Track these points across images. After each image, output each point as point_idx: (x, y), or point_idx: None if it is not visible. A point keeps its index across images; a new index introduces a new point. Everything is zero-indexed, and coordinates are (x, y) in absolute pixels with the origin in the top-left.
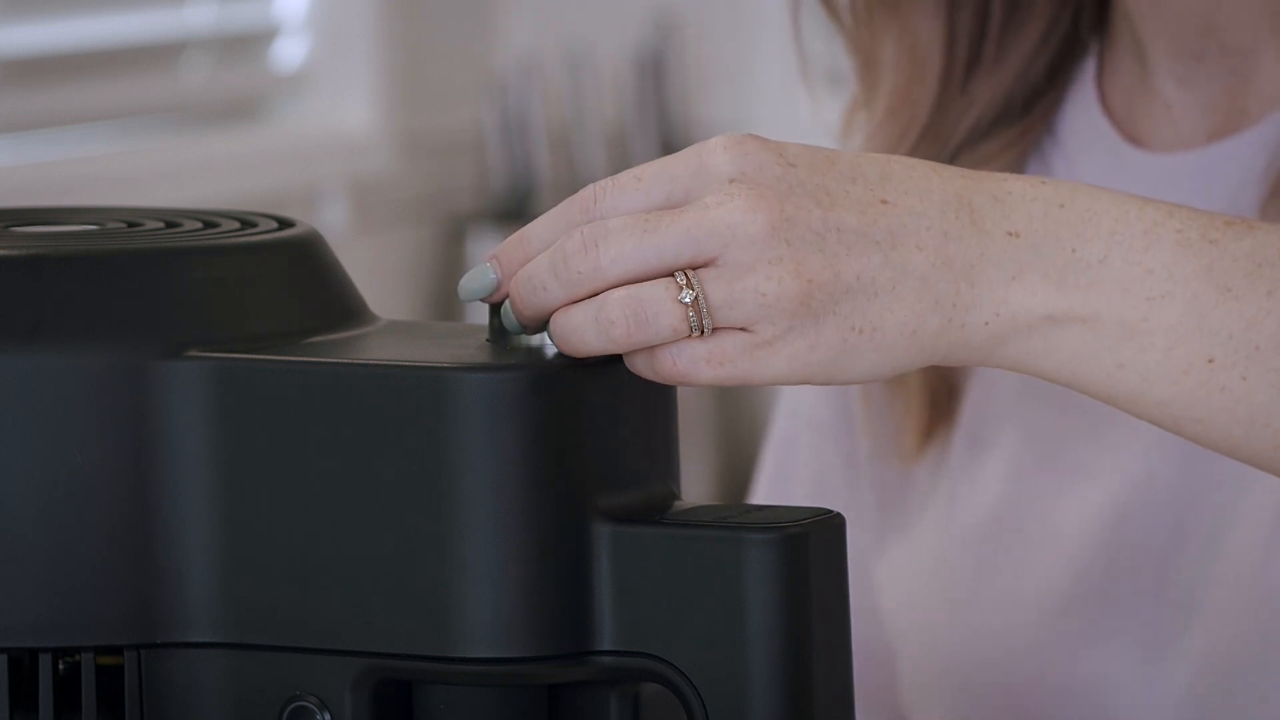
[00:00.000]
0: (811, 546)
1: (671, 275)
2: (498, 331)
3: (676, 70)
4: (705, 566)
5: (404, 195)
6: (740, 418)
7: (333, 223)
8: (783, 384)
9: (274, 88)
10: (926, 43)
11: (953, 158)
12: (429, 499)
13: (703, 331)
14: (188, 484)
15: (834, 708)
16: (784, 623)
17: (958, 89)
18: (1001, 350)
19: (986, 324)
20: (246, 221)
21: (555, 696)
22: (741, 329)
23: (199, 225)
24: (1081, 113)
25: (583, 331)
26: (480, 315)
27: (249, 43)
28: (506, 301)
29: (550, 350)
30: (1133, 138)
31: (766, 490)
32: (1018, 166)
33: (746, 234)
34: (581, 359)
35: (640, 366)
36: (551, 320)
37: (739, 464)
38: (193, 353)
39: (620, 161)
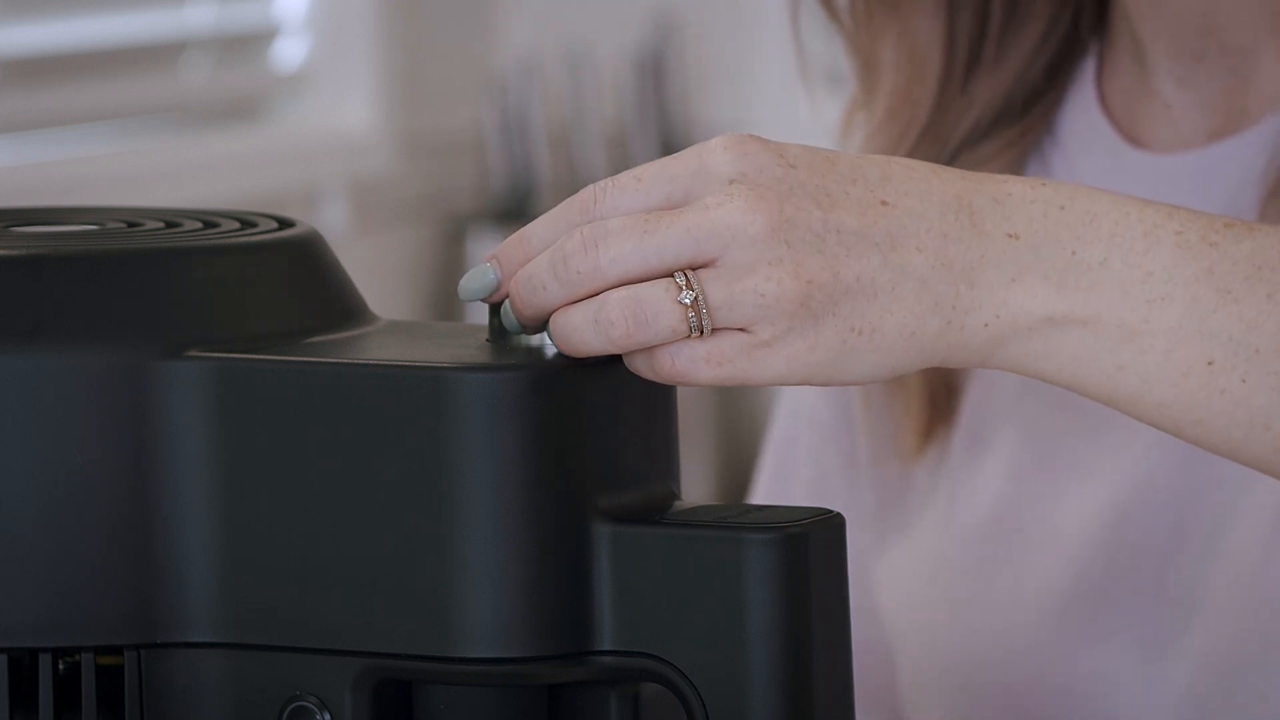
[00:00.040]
0: (811, 546)
1: (671, 276)
2: (498, 331)
3: (676, 70)
4: (705, 566)
5: (404, 195)
6: (740, 418)
7: (333, 223)
8: (782, 384)
9: (274, 88)
10: (926, 43)
11: (952, 158)
12: (429, 499)
13: (702, 332)
14: (188, 484)
15: (834, 708)
16: (784, 623)
17: (957, 89)
18: (1001, 352)
19: (986, 325)
20: (246, 221)
21: (555, 696)
22: (741, 329)
23: (199, 225)
24: (1081, 113)
25: (582, 331)
26: (480, 315)
27: (249, 43)
28: (506, 301)
29: (550, 350)
30: (1132, 138)
31: (766, 490)
32: (1017, 167)
33: (746, 235)
34: (581, 359)
35: (639, 366)
36: (551, 320)
37: (739, 464)
38: (193, 353)
39: (620, 161)
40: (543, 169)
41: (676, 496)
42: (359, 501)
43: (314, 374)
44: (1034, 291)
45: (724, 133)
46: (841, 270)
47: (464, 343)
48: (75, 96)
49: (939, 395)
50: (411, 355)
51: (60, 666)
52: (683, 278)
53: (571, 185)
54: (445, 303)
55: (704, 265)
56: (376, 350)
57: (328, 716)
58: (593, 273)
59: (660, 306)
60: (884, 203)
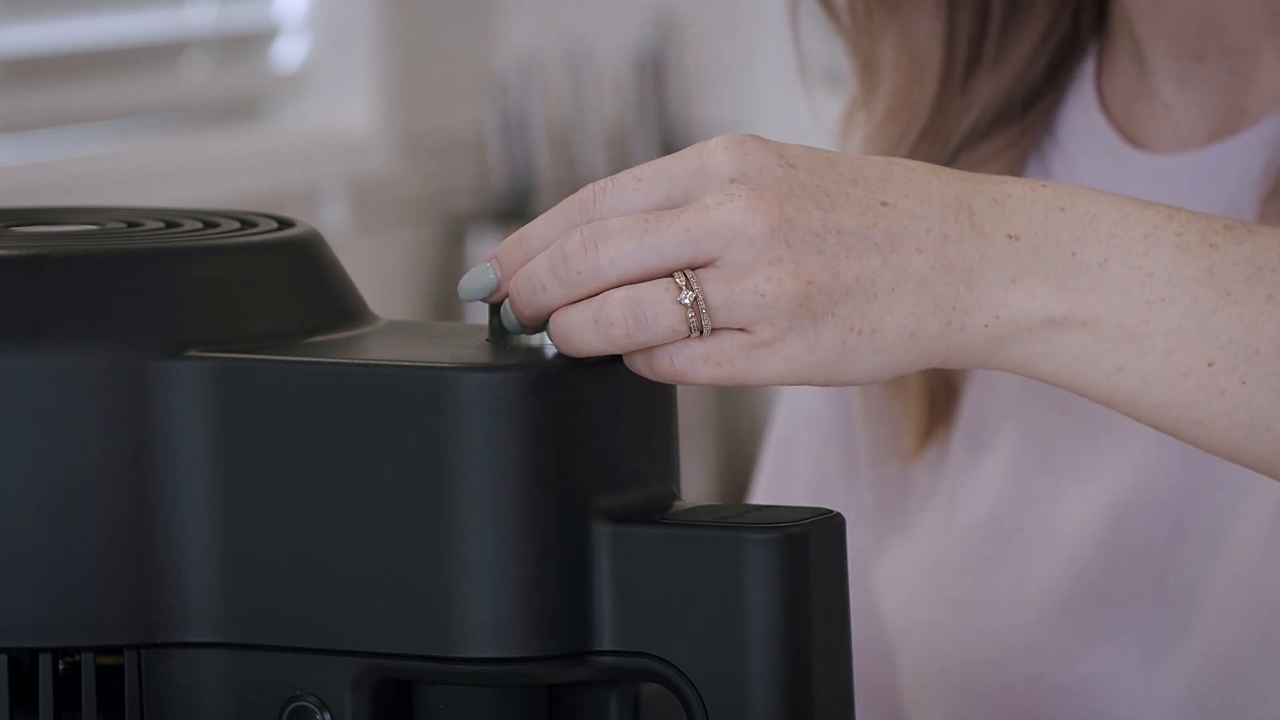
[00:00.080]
0: (811, 546)
1: (671, 276)
2: (498, 331)
3: (676, 70)
4: (705, 566)
5: (404, 195)
6: (740, 418)
7: (333, 223)
8: (781, 384)
9: (274, 88)
10: (926, 43)
11: (952, 158)
12: (429, 499)
13: (702, 332)
14: (188, 484)
15: (834, 708)
16: (784, 623)
17: (957, 89)
18: (1001, 353)
19: (986, 326)
20: (246, 221)
21: (555, 696)
22: (740, 329)
23: (199, 225)
24: (1081, 113)
25: (582, 331)
26: (480, 315)
27: (249, 43)
28: (506, 301)
29: (550, 350)
30: (1132, 138)
31: (766, 490)
32: (1017, 167)
33: (746, 235)
34: (581, 359)
35: (639, 366)
36: (551, 320)
37: (739, 464)
38: (193, 353)
39: (620, 161)
40: (543, 169)
41: (676, 496)
42: (359, 501)
43: (314, 374)
44: (1034, 292)
45: (724, 133)
46: (841, 271)
47: (464, 343)
48: (75, 96)
49: (939, 395)
50: (411, 355)
51: (60, 666)
52: (682, 278)
53: (571, 185)
54: (445, 303)
55: (704, 265)
56: (376, 350)
57: (328, 716)
58: (593, 273)
59: (660, 307)
60: (884, 203)
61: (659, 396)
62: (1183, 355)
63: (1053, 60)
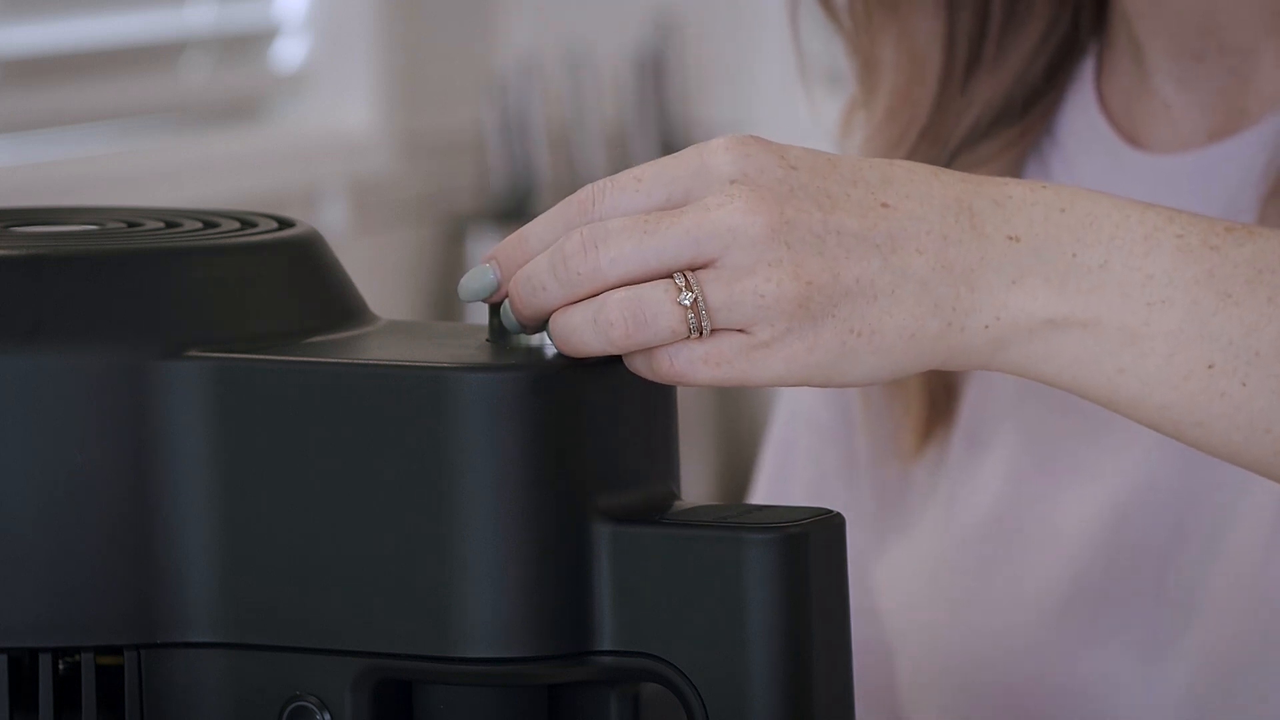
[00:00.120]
0: (811, 546)
1: (670, 276)
2: (498, 331)
3: (676, 70)
4: (705, 566)
5: (404, 195)
6: (740, 418)
7: (333, 223)
8: (780, 385)
9: (274, 88)
10: (926, 43)
11: (952, 158)
12: (429, 499)
13: (701, 333)
14: (188, 484)
15: (834, 708)
16: (784, 623)
17: (957, 89)
18: (1002, 355)
19: (986, 327)
20: (246, 221)
21: (555, 696)
22: (740, 330)
23: (199, 225)
24: (1080, 114)
25: (581, 332)
26: (480, 315)
27: (249, 43)
28: (506, 301)
29: (550, 350)
30: (1131, 139)
31: (765, 491)
32: (1016, 167)
33: (747, 236)
34: (581, 359)
35: (638, 366)
36: (550, 321)
37: (739, 464)
38: (193, 353)
39: (620, 161)
40: (543, 169)
41: (676, 496)
42: (359, 501)
43: (314, 374)
44: (1034, 294)
45: (724, 133)
46: (841, 272)
47: (464, 343)
48: (75, 96)
49: (938, 395)
50: (411, 355)
51: (60, 666)
52: (682, 279)
53: (571, 185)
54: (445, 303)
55: (703, 266)
56: (376, 350)
57: (328, 716)
58: (592, 273)
59: (660, 307)
60: (884, 205)
61: (659, 396)
62: (1183, 357)
63: (1052, 60)
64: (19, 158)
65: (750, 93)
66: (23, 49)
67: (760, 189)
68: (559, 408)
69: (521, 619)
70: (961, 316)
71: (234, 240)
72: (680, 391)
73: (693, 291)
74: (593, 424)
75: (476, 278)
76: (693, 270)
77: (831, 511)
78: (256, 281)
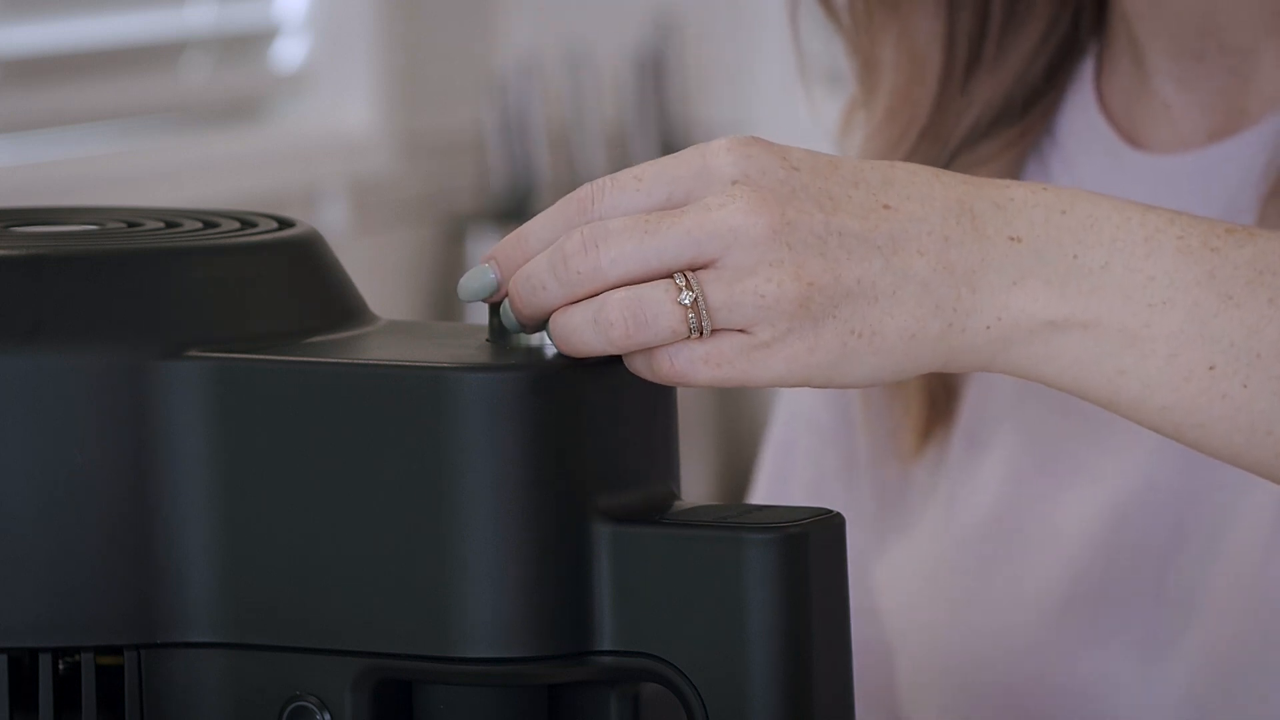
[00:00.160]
0: (811, 546)
1: (671, 276)
2: (498, 331)
3: (676, 70)
4: (705, 566)
5: (404, 195)
6: (740, 418)
7: (333, 223)
8: (781, 386)
9: (274, 88)
10: (926, 43)
11: (952, 158)
12: (429, 499)
13: (701, 333)
14: (188, 484)
15: (834, 708)
16: (784, 623)
17: (957, 89)
18: (1003, 356)
19: (988, 328)
20: (246, 221)
21: (555, 696)
22: (740, 331)
23: (199, 225)
24: (1080, 114)
25: (582, 332)
26: (480, 315)
27: (249, 43)
28: (506, 301)
29: (550, 350)
30: (1131, 139)
31: (765, 492)
32: (1016, 167)
33: (748, 236)
34: (581, 359)
35: (638, 367)
36: (551, 320)
37: (739, 464)
38: (193, 353)
39: (620, 161)
40: (543, 169)
41: (676, 496)
42: (359, 501)
43: (314, 374)
44: (1035, 295)
45: (724, 133)
46: (843, 273)
47: (464, 343)
48: (75, 96)
49: (938, 396)
50: (411, 355)
51: (60, 666)
52: (682, 279)
53: (571, 185)
54: (445, 303)
55: (704, 266)
56: (376, 350)
57: (328, 716)
58: (593, 273)
59: (660, 307)
60: (886, 206)
61: (659, 397)
62: (1184, 359)
63: (1052, 60)
64: (19, 158)
65: (750, 93)
66: (23, 49)
67: (762, 190)
68: (559, 408)
69: (521, 619)
70: (963, 317)
71: (234, 240)
72: (680, 391)
73: (693, 291)
74: (593, 424)
75: (476, 278)
76: (693, 270)
77: (831, 511)
78: (256, 281)
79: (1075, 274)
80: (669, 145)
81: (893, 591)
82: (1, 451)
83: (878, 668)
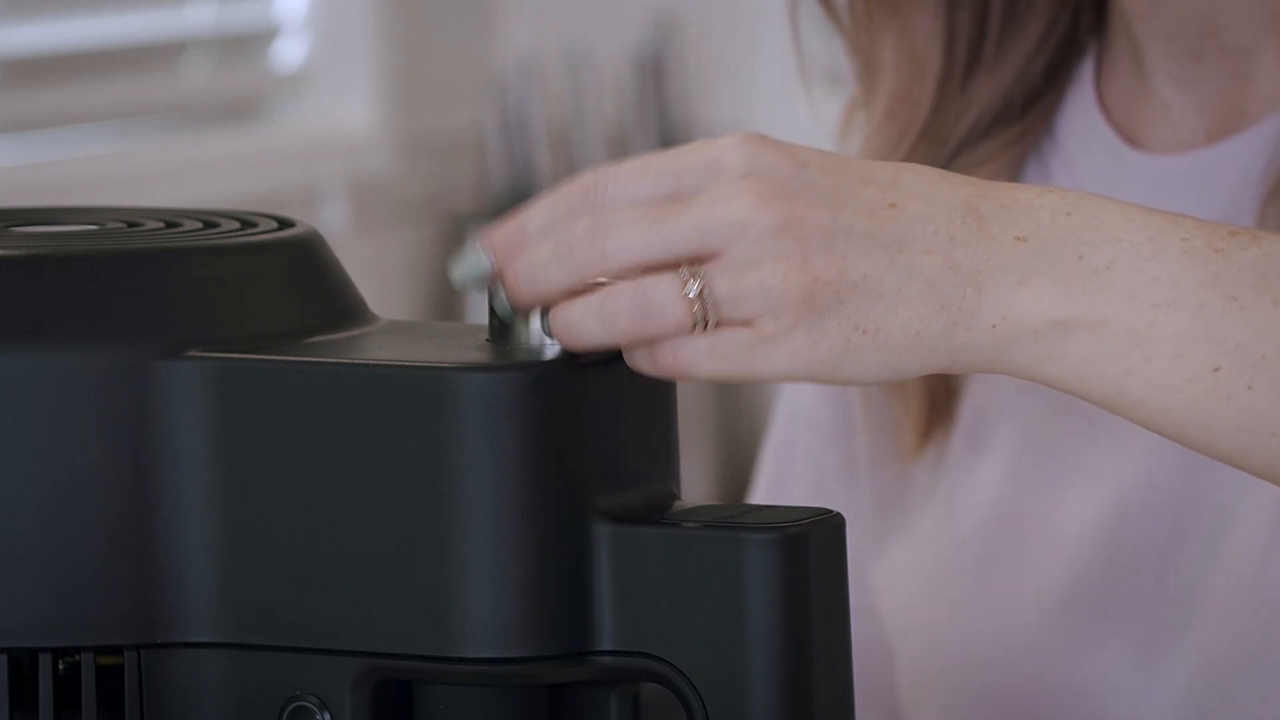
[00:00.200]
0: (811, 546)
1: (676, 268)
2: (498, 331)
3: (676, 70)
4: (705, 566)
5: (404, 195)
6: (740, 418)
7: (333, 223)
8: (783, 381)
9: (274, 88)
10: (926, 43)
11: (951, 158)
12: (429, 499)
13: (706, 325)
14: (188, 484)
15: (834, 708)
16: (784, 623)
17: (957, 89)
18: (1008, 356)
19: (993, 327)
20: (246, 221)
21: (555, 696)
22: (745, 324)
23: (199, 225)
24: (1080, 114)
25: (584, 324)
26: (480, 315)
27: (249, 43)
28: (500, 287)
29: (550, 350)
30: (1131, 139)
31: (765, 492)
32: (1016, 167)
33: (756, 230)
34: (581, 358)
35: (640, 360)
36: (552, 314)
37: (739, 464)
38: (193, 353)
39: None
40: (543, 169)
41: (676, 496)
42: (359, 501)
43: (314, 374)
44: (1041, 295)
45: (724, 133)
46: (848, 268)
47: (464, 343)
48: (75, 96)
49: (938, 395)
50: (411, 355)
51: (60, 666)
52: (687, 271)
53: None
54: (445, 303)
55: (709, 259)
56: (376, 350)
57: (328, 716)
58: (598, 261)
59: (666, 299)
60: (893, 205)
61: (659, 396)
62: (1189, 360)
63: (1052, 60)
64: (19, 158)
65: (750, 93)
66: (23, 49)
67: (771, 185)
68: (559, 408)
69: (521, 619)
70: (968, 316)
71: (234, 240)
72: (680, 391)
73: (698, 283)
74: (593, 424)
75: (469, 261)
76: (699, 262)
77: (831, 511)
78: (256, 281)
79: (1081, 274)
80: (669, 145)
81: (893, 591)
82: (1, 451)
83: (878, 668)
